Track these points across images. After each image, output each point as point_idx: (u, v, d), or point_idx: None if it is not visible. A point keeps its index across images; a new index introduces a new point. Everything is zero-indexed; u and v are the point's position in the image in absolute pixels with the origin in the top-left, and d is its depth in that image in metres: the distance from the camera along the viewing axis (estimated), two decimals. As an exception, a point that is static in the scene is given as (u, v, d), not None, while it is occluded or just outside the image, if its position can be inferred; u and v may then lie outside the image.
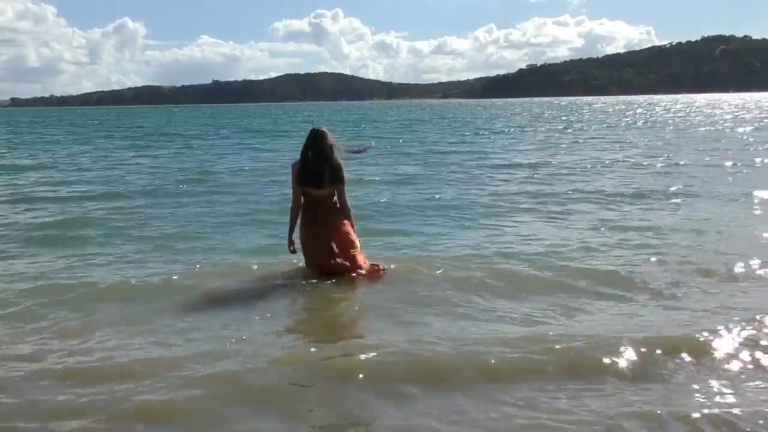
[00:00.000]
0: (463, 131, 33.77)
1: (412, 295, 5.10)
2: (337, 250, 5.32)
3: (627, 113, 56.77)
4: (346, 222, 5.48)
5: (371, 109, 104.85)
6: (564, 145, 22.31)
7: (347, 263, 5.33)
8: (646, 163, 15.24)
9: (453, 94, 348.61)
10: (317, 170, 5.31)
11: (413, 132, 33.61)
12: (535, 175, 13.55)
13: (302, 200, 5.48)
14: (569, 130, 31.90)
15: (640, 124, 37.93)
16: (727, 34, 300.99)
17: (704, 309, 4.72)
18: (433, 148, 22.24)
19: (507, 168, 15.29)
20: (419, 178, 13.53)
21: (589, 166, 15.00)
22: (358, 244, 5.52)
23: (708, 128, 31.25)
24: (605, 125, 37.05)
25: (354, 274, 5.34)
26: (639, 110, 64.27)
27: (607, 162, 15.85)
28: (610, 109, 69.68)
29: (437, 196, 10.89)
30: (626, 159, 16.48)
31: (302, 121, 52.75)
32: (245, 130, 39.23)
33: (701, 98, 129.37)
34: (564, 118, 50.24)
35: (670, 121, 40.30)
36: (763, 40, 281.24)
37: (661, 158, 16.39)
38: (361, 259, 5.46)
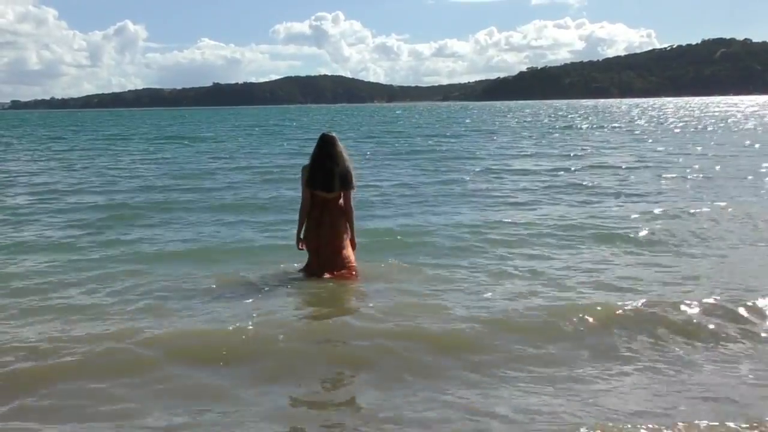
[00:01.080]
0: (488, 135, 32.70)
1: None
2: (332, 256, 5.65)
3: (640, 116, 55.46)
4: (347, 225, 5.76)
5: (378, 112, 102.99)
6: (602, 149, 21.05)
7: (337, 268, 5.64)
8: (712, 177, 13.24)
9: (453, 97, 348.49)
10: (328, 174, 5.53)
11: (442, 137, 32.00)
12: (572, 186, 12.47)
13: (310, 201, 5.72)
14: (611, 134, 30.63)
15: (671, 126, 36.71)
16: (728, 37, 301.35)
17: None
18: (466, 155, 20.97)
19: (536, 176, 14.37)
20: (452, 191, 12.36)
21: (648, 182, 13.05)
22: (352, 250, 5.83)
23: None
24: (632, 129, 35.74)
25: (338, 272, 5.65)
26: (650, 113, 63.36)
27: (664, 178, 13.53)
28: (616, 110, 68.96)
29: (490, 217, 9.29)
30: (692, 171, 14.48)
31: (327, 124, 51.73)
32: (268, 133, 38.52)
33: (711, 101, 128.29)
34: (577, 120, 48.94)
35: (722, 124, 37.80)
36: (764, 43, 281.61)
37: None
38: (353, 264, 5.76)
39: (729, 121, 41.18)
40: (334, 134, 5.73)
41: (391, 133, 36.49)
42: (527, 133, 33.05)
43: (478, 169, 16.08)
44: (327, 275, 5.60)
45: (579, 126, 40.27)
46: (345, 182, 5.58)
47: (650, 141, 25.52)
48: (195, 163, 19.32)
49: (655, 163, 16.50)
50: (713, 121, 42.28)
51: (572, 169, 15.71)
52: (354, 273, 5.71)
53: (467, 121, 55.24)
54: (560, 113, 69.58)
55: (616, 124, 41.16)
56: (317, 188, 5.57)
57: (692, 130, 33.01)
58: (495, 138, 29.98)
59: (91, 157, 22.73)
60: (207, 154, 22.83)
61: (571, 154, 19.79)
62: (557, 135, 31.34)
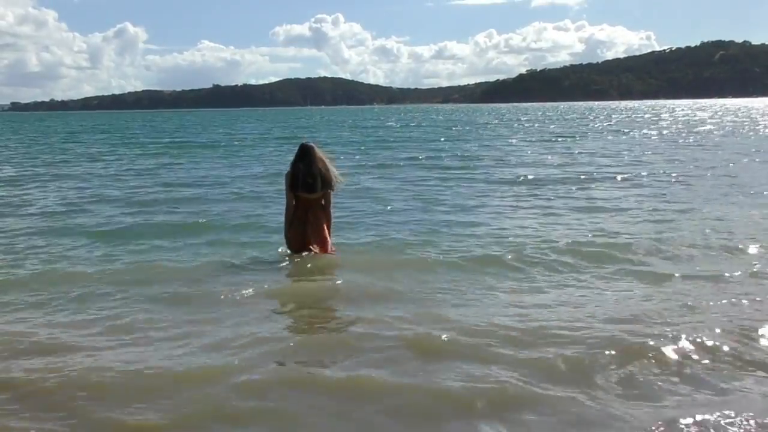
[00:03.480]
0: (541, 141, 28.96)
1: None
2: (314, 245, 6.43)
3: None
4: (325, 224, 6.53)
5: (388, 113, 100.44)
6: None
7: (316, 250, 6.42)
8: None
9: (453, 99, 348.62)
10: (309, 178, 6.32)
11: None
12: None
13: (294, 203, 6.47)
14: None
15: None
16: (727, 39, 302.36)
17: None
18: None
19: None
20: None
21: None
22: (329, 240, 6.58)
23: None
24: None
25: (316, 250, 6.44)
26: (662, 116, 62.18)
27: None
28: (620, 114, 67.90)
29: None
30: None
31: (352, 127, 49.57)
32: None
33: (718, 103, 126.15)
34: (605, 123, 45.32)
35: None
36: (762, 45, 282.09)
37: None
38: (329, 248, 6.57)
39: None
40: (312, 144, 6.53)
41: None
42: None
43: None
44: (310, 248, 6.41)
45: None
46: (325, 184, 6.37)
47: None
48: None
49: None
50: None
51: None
52: (333, 250, 6.58)
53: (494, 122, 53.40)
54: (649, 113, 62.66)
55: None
56: (300, 190, 6.35)
57: None
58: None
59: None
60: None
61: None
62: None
